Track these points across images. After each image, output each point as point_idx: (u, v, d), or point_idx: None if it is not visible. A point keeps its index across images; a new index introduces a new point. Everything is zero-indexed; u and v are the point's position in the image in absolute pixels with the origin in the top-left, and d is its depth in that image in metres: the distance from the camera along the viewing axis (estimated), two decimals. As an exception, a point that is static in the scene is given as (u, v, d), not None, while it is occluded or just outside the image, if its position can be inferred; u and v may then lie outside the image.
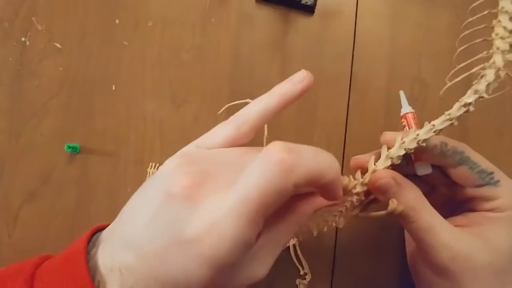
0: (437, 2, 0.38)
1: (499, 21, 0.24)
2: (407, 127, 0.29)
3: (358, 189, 0.25)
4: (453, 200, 0.29)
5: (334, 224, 0.27)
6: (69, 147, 0.33)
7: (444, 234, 0.24)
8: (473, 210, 0.27)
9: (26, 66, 0.35)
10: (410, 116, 0.29)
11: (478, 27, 0.25)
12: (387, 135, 0.27)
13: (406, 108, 0.30)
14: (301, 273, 0.33)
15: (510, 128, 0.36)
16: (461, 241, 0.24)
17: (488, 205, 0.26)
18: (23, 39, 0.36)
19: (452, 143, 0.26)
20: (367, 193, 0.26)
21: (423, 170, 0.28)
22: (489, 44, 0.25)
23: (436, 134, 0.24)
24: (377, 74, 0.36)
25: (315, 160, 0.20)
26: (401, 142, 0.25)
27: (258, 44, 0.36)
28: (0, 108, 0.35)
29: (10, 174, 0.34)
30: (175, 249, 0.19)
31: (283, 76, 0.36)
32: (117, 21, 0.36)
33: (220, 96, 0.35)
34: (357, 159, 0.28)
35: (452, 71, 0.25)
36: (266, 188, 0.18)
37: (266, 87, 0.36)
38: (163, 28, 0.36)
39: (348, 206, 0.26)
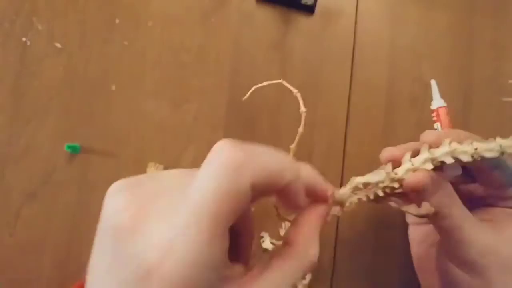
0: (437, 2, 0.38)
1: None
2: (439, 123, 0.28)
3: (387, 183, 0.24)
4: (475, 196, 0.28)
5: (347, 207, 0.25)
6: (69, 147, 0.33)
7: (474, 230, 0.24)
8: (493, 205, 0.27)
9: (27, 66, 0.35)
10: (443, 111, 0.28)
11: None
12: (430, 136, 0.25)
13: (438, 101, 0.28)
14: (301, 273, 0.33)
15: (511, 129, 0.36)
16: (490, 237, 0.24)
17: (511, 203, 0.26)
18: (23, 39, 0.36)
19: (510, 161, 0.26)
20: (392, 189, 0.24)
21: (454, 171, 0.26)
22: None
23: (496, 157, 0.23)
24: (377, 74, 0.36)
25: (271, 158, 0.18)
26: (449, 149, 0.23)
27: (258, 44, 0.36)
28: (1, 108, 0.35)
29: (10, 174, 0.34)
30: (140, 285, 0.16)
31: (283, 76, 0.36)
32: (117, 21, 0.36)
33: (220, 96, 0.35)
34: (391, 151, 0.26)
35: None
36: (218, 193, 0.16)
37: (266, 87, 0.36)
38: (163, 28, 0.36)
39: (371, 197, 0.24)
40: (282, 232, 0.34)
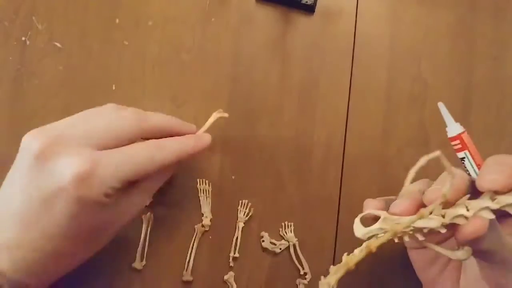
0: (437, 2, 0.38)
1: None
2: (467, 151, 0.24)
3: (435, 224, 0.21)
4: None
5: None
6: (69, 147, 0.33)
7: None
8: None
9: (26, 65, 0.35)
10: (467, 137, 0.24)
11: None
12: (497, 183, 0.21)
13: (455, 127, 0.24)
14: (301, 272, 0.33)
15: (511, 129, 0.36)
16: None
17: None
18: (23, 38, 0.35)
19: None
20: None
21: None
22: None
23: None
24: (377, 74, 0.36)
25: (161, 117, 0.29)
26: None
27: (258, 44, 0.36)
28: (0, 108, 0.35)
29: (10, 173, 0.34)
30: (54, 198, 0.23)
31: (283, 76, 0.36)
32: (117, 21, 0.36)
33: (220, 96, 0.35)
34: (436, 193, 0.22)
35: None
36: (110, 129, 0.26)
37: (266, 87, 0.36)
38: (163, 28, 0.36)
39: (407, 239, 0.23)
40: (282, 232, 0.34)
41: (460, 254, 0.21)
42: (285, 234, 0.34)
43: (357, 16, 0.37)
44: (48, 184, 0.24)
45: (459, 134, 0.24)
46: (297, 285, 0.33)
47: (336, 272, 0.22)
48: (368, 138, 0.35)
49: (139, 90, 0.35)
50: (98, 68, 0.35)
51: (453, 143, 0.25)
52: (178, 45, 0.36)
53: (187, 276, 0.33)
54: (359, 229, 0.22)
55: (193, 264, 0.33)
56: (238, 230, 0.33)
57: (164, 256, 0.33)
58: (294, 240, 0.33)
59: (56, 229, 0.24)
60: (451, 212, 0.21)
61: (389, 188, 0.35)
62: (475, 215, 0.21)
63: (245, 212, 0.34)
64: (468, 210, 0.21)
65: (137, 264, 0.32)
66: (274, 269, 0.34)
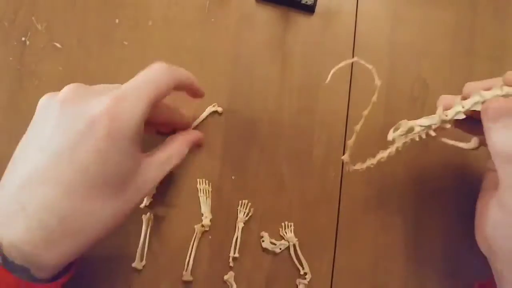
0: (437, 2, 0.38)
1: None
2: None
3: (438, 124, 0.27)
4: None
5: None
6: (69, 147, 0.33)
7: None
8: None
9: (26, 65, 0.35)
10: None
11: None
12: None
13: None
14: (301, 272, 0.33)
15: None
16: None
17: None
18: (23, 38, 0.36)
19: None
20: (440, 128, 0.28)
21: None
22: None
23: None
24: (377, 73, 0.36)
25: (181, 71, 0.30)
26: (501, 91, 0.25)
27: (258, 44, 0.36)
28: (0, 108, 0.35)
29: (10, 174, 0.34)
30: (87, 130, 0.24)
31: (283, 76, 0.36)
32: (117, 21, 0.36)
33: (220, 96, 0.35)
34: (443, 99, 0.28)
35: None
36: (155, 80, 0.27)
37: (266, 87, 0.36)
38: (163, 28, 0.36)
39: (424, 136, 0.28)
40: (282, 232, 0.34)
41: (470, 144, 0.27)
42: (285, 234, 0.34)
43: (357, 16, 0.37)
44: (78, 122, 0.24)
45: None
46: (297, 285, 0.33)
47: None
48: (368, 137, 0.35)
49: (139, 90, 0.35)
50: (98, 68, 0.35)
51: None
52: (178, 45, 0.36)
53: (187, 276, 0.33)
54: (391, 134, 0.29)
55: (193, 264, 0.33)
56: (238, 230, 0.33)
57: (164, 256, 0.33)
58: (294, 240, 0.33)
59: (84, 167, 0.24)
60: (450, 111, 0.27)
61: (389, 188, 0.35)
62: (495, 97, 0.25)
63: (245, 212, 0.34)
64: (463, 107, 0.26)
65: (137, 264, 0.32)
66: (274, 269, 0.34)
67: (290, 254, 0.33)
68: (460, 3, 0.37)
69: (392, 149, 0.29)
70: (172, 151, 0.30)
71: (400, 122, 0.28)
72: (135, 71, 0.36)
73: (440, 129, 0.27)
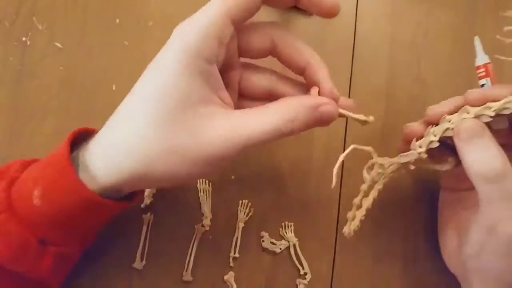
0: (437, 1, 0.38)
1: None
2: (488, 79, 0.28)
3: (415, 161, 0.27)
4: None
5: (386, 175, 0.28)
6: (69, 147, 0.33)
7: None
8: None
9: (27, 65, 0.35)
10: (490, 67, 0.29)
11: None
12: (474, 94, 0.26)
13: (484, 58, 0.29)
14: (301, 272, 0.33)
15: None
16: None
17: None
18: (23, 38, 0.36)
19: None
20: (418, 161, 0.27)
21: (499, 124, 0.27)
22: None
23: None
24: (377, 74, 0.36)
25: None
26: (490, 109, 0.25)
27: (258, 44, 0.36)
28: (1, 108, 0.35)
29: (10, 173, 0.34)
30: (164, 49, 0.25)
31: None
32: (117, 21, 0.36)
33: (220, 96, 0.35)
34: (431, 110, 0.28)
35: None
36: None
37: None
38: (164, 28, 0.36)
39: (409, 160, 0.27)
40: (282, 232, 0.34)
41: (446, 165, 0.27)
42: (285, 234, 0.34)
43: (357, 16, 0.37)
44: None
45: (486, 64, 0.29)
46: (297, 285, 0.33)
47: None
48: (368, 137, 0.35)
49: (139, 90, 0.35)
50: (98, 68, 0.35)
51: (478, 71, 0.29)
52: (178, 45, 0.36)
53: (187, 276, 0.33)
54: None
55: (193, 264, 0.33)
56: (238, 230, 0.33)
57: (164, 256, 0.33)
58: (294, 240, 0.33)
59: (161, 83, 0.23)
60: (424, 141, 0.27)
61: (389, 188, 0.35)
62: (464, 119, 0.25)
63: (245, 212, 0.34)
64: (435, 136, 0.26)
65: (137, 264, 0.32)
66: (274, 269, 0.34)
67: (290, 254, 0.33)
68: (460, 3, 0.37)
69: (375, 194, 0.28)
70: (289, 110, 0.24)
71: (371, 160, 0.28)
72: (135, 71, 0.36)
73: (417, 161, 0.27)
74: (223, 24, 0.23)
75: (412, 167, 0.28)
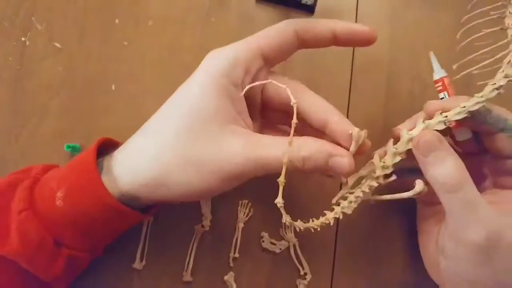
0: (437, 2, 0.38)
1: (510, 12, 0.26)
2: (446, 93, 0.29)
3: (379, 172, 0.26)
4: (479, 171, 0.29)
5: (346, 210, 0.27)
6: (69, 147, 0.33)
7: (482, 211, 0.23)
8: (500, 185, 0.28)
9: (26, 66, 0.35)
10: (446, 81, 0.29)
11: (489, 18, 0.27)
12: (433, 106, 0.26)
13: (440, 72, 0.30)
14: (301, 273, 0.33)
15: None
16: (496, 220, 0.23)
17: None
18: (23, 39, 0.35)
19: (496, 110, 0.26)
20: (385, 177, 0.26)
21: (463, 135, 0.28)
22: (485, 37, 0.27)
23: (467, 114, 0.25)
24: (376, 73, 0.36)
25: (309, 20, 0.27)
26: (443, 116, 0.25)
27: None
28: (0, 108, 0.35)
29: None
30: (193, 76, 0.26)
31: (283, 75, 0.36)
32: (117, 21, 0.36)
33: (220, 96, 0.35)
34: (397, 130, 0.28)
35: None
36: (264, 30, 0.26)
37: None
38: (163, 28, 0.36)
39: (366, 190, 0.26)
40: (282, 232, 0.34)
41: (415, 189, 0.25)
42: (285, 234, 0.34)
43: (357, 16, 0.37)
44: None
45: (442, 78, 0.29)
46: (297, 285, 0.33)
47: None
48: (368, 138, 0.35)
49: (139, 90, 0.35)
50: (98, 68, 0.35)
51: (436, 85, 0.29)
52: (178, 45, 0.36)
53: (187, 277, 0.33)
54: None
55: (193, 264, 0.33)
56: (238, 230, 0.33)
57: (164, 256, 0.33)
58: (294, 240, 0.33)
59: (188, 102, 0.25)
60: (387, 156, 0.26)
61: (389, 188, 0.35)
62: (423, 131, 0.25)
63: (245, 212, 0.34)
64: (396, 149, 0.26)
65: (137, 264, 0.32)
66: (274, 269, 0.34)
67: (290, 254, 0.33)
68: (460, 3, 0.37)
69: (339, 211, 0.28)
70: (309, 146, 0.25)
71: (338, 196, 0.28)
72: (135, 71, 0.36)
73: (384, 177, 0.26)
74: (251, 55, 0.25)
75: (372, 200, 0.27)
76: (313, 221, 0.28)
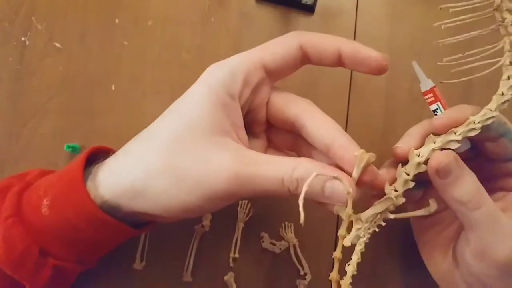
0: (437, 2, 0.38)
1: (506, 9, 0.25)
2: (439, 103, 0.28)
3: (400, 189, 0.24)
4: (477, 176, 0.28)
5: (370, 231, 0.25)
6: (69, 147, 0.33)
7: (506, 222, 0.23)
8: (502, 188, 0.27)
9: (26, 65, 0.35)
10: (437, 91, 0.28)
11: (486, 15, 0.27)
12: (441, 121, 0.25)
13: (428, 82, 0.28)
14: (301, 273, 0.33)
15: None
16: None
17: None
18: (23, 38, 0.35)
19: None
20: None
21: (463, 146, 0.26)
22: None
23: (479, 130, 0.24)
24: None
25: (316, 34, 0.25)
26: (457, 134, 0.24)
27: (258, 44, 0.36)
28: (0, 108, 0.35)
29: (10, 174, 0.34)
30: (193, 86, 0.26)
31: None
32: (117, 21, 0.36)
33: (220, 96, 0.35)
34: (400, 149, 0.26)
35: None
36: (267, 43, 0.25)
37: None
38: (163, 28, 0.36)
39: (382, 223, 0.24)
40: (282, 232, 0.34)
41: (429, 208, 0.24)
42: (285, 234, 0.34)
43: (357, 16, 0.37)
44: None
45: (432, 88, 0.28)
46: (297, 286, 0.33)
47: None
48: (368, 138, 0.35)
49: (139, 90, 0.35)
50: (98, 68, 0.35)
51: (426, 96, 0.28)
52: (178, 45, 0.36)
53: (187, 277, 0.33)
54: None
55: (193, 264, 0.33)
56: (238, 230, 0.33)
57: (164, 256, 0.33)
58: (294, 240, 0.33)
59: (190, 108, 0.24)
60: (410, 165, 0.24)
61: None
62: (436, 152, 0.24)
63: (245, 212, 0.34)
64: (420, 156, 0.24)
65: (137, 265, 0.32)
66: (274, 269, 0.34)
67: (290, 254, 0.33)
68: (460, 3, 0.37)
69: (358, 256, 0.25)
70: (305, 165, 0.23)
71: (345, 219, 0.24)
72: (135, 71, 0.36)
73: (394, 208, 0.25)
74: (252, 66, 0.24)
75: (392, 216, 0.24)
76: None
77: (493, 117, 0.24)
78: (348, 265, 0.25)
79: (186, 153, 0.23)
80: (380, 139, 0.35)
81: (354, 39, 0.37)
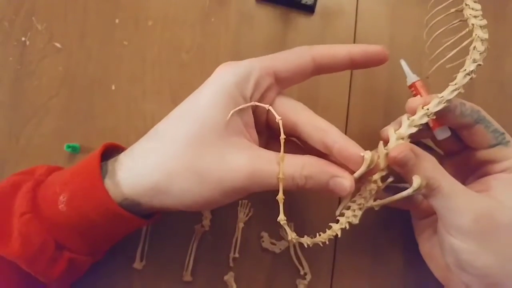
0: (437, 2, 0.38)
1: (466, 4, 0.28)
2: (418, 96, 0.30)
3: (382, 164, 0.26)
4: (464, 167, 0.30)
5: (353, 220, 0.27)
6: (69, 147, 0.33)
7: (465, 197, 0.25)
8: (485, 174, 0.28)
9: (26, 65, 0.35)
10: (418, 84, 0.30)
11: (448, 12, 0.30)
12: (414, 102, 0.27)
13: (412, 77, 0.31)
14: (301, 273, 0.33)
15: (510, 127, 0.36)
16: (481, 203, 0.25)
17: (500, 166, 0.27)
18: (23, 38, 0.35)
19: (469, 104, 0.27)
20: (382, 179, 0.26)
21: (443, 134, 0.29)
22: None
23: (446, 104, 0.26)
24: (377, 74, 0.36)
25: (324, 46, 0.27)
26: (425, 109, 0.26)
27: (258, 44, 0.36)
28: (0, 108, 0.35)
29: (10, 174, 0.34)
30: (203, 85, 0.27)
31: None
32: (117, 21, 0.36)
33: (220, 96, 0.35)
34: (381, 132, 0.29)
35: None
36: (280, 52, 0.27)
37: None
38: (163, 28, 0.36)
39: (367, 195, 0.26)
40: (282, 232, 0.34)
41: (412, 185, 0.24)
42: (285, 234, 0.34)
43: (357, 16, 0.37)
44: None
45: (413, 83, 0.30)
46: (297, 286, 0.33)
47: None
48: (368, 138, 0.35)
49: (139, 90, 0.35)
50: (98, 68, 0.35)
51: (411, 90, 0.31)
52: (178, 45, 0.36)
53: (187, 277, 0.33)
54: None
55: (193, 264, 0.33)
56: (238, 230, 0.33)
57: (164, 256, 0.33)
58: (294, 240, 0.33)
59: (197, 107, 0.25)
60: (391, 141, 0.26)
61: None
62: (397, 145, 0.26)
63: (245, 212, 0.34)
64: (386, 149, 0.26)
65: (137, 264, 0.32)
66: (274, 269, 0.34)
67: (290, 254, 0.33)
68: (460, 3, 0.37)
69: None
70: (307, 162, 0.25)
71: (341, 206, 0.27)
72: (135, 71, 0.36)
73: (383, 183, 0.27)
74: (264, 72, 0.26)
75: (375, 205, 0.27)
76: (319, 235, 0.27)
77: (456, 90, 0.26)
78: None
79: (206, 154, 0.24)
80: (379, 139, 0.35)
81: (354, 39, 0.37)
